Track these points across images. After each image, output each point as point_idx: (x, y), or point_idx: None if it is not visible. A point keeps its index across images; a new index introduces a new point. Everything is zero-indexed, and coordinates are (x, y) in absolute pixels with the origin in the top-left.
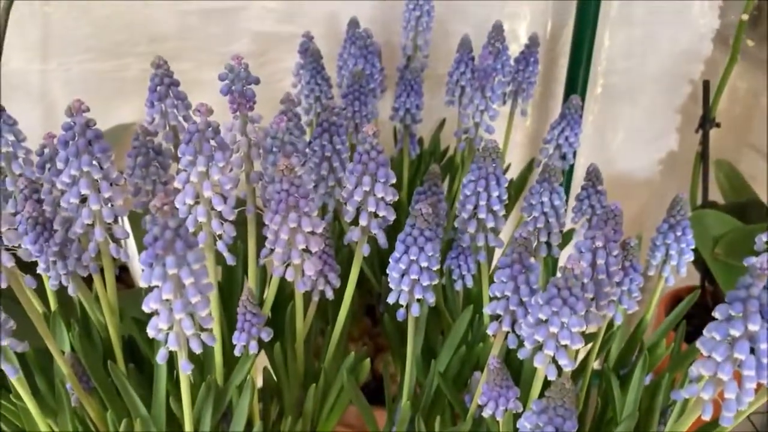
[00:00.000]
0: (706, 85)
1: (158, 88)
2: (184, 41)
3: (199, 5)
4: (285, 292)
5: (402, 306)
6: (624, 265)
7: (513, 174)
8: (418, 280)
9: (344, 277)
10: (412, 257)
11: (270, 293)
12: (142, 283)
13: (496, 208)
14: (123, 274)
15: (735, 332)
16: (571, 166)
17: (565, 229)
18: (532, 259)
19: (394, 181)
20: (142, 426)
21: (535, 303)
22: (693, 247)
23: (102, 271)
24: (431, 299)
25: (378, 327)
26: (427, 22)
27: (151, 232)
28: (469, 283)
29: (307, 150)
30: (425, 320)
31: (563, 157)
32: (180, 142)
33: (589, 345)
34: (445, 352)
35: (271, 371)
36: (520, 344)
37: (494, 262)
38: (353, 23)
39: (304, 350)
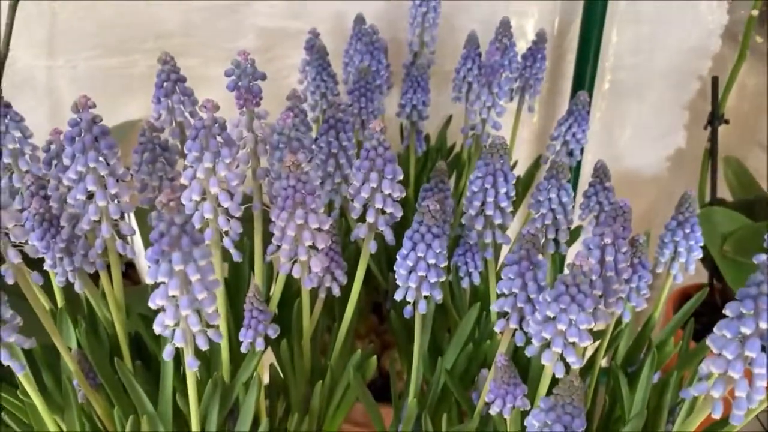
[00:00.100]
0: (714, 81)
1: (165, 84)
2: (191, 37)
3: (206, 2)
4: (292, 289)
5: (409, 303)
6: (632, 262)
7: (520, 171)
8: (426, 277)
9: (351, 274)
10: (420, 254)
11: (276, 290)
12: (148, 280)
13: (503, 204)
14: (130, 271)
15: (746, 330)
16: (579, 163)
17: (572, 226)
18: (540, 256)
19: (401, 177)
20: (148, 423)
21: (542, 300)
22: (701, 244)
23: (108, 267)
24: (438, 296)
25: (385, 324)
26: (434, 18)
27: (158, 228)
28: (476, 281)
29: (314, 147)
30: (432, 317)
31: (570, 154)
32: (186, 138)
33: (597, 342)
34: (452, 350)
35: (278, 368)
36: (528, 341)
37: (501, 259)
38: (359, 19)
39: (311, 347)
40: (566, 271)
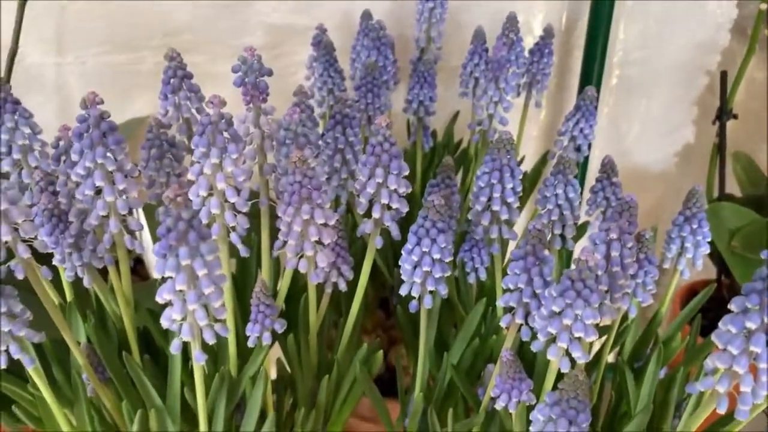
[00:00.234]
0: (723, 76)
1: (171, 80)
2: (198, 34)
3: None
4: (298, 284)
5: (414, 298)
6: (639, 258)
7: (527, 166)
8: (431, 272)
9: (357, 270)
10: (425, 249)
11: (283, 285)
12: (155, 275)
13: (510, 200)
14: (138, 267)
15: (751, 325)
16: (586, 159)
17: (579, 222)
18: (546, 251)
19: (407, 172)
20: (156, 416)
21: (548, 295)
22: (709, 239)
23: (117, 262)
24: (444, 291)
25: (391, 320)
26: (441, 13)
27: (165, 223)
28: (483, 276)
29: (320, 142)
30: (438, 312)
31: (578, 149)
32: (193, 134)
33: (604, 338)
34: (458, 345)
35: (285, 363)
36: (534, 336)
37: (508, 255)
38: (366, 15)
39: (318, 342)
40: (573, 266)
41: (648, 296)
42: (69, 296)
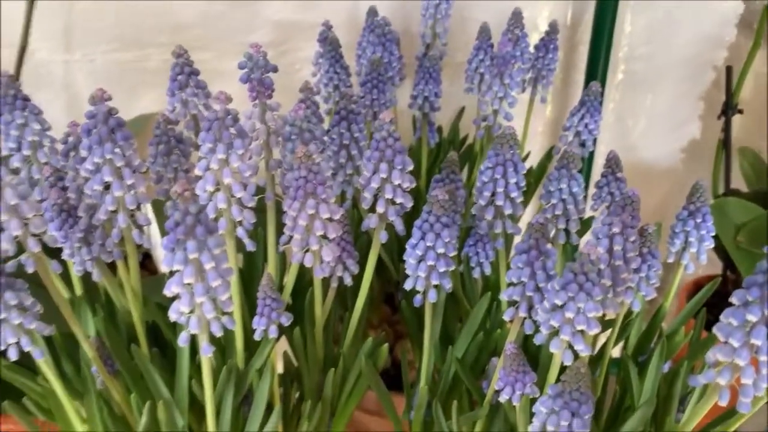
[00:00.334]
0: (728, 70)
1: (179, 77)
2: (205, 31)
3: None
4: (304, 279)
5: (419, 292)
6: (642, 252)
7: (533, 162)
8: (435, 266)
9: (363, 265)
10: (429, 243)
11: (289, 280)
12: (164, 268)
13: (513, 194)
14: (146, 261)
15: (752, 317)
16: (592, 154)
17: (584, 217)
18: (549, 245)
19: (411, 167)
20: (165, 408)
21: (551, 288)
22: (713, 234)
23: (126, 257)
24: (448, 285)
25: (397, 315)
26: (446, 9)
27: (173, 217)
28: (487, 271)
29: (326, 138)
30: (443, 307)
31: (583, 145)
32: (200, 130)
33: (608, 332)
34: (462, 339)
35: (291, 356)
36: (537, 330)
37: (512, 250)
38: (372, 12)
39: (324, 336)
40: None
41: (651, 290)
42: (78, 290)
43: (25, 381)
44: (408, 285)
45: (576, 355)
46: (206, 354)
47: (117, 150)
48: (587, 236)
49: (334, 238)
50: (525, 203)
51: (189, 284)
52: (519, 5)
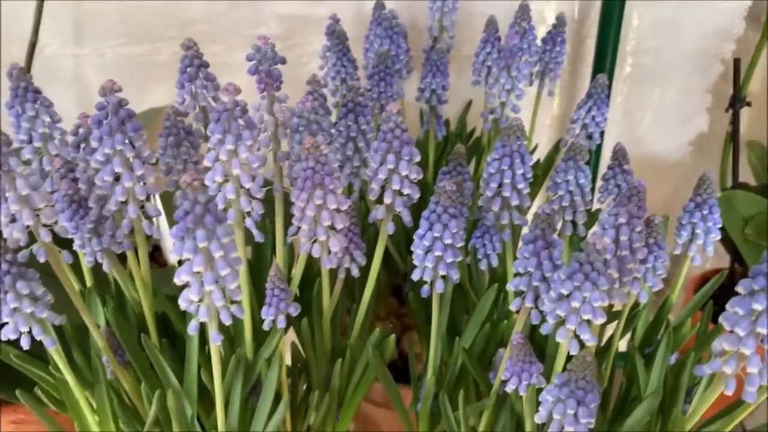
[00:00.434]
0: (736, 63)
1: (188, 69)
2: (214, 25)
3: None
4: (312, 270)
5: (426, 283)
6: (648, 242)
7: (540, 155)
8: (442, 257)
9: (370, 256)
10: (436, 234)
11: (297, 271)
12: (173, 257)
13: (520, 186)
14: (155, 254)
15: (758, 306)
16: (599, 147)
17: (592, 209)
18: (555, 235)
19: (418, 159)
20: (174, 398)
21: (557, 278)
22: (720, 226)
23: (135, 248)
24: (455, 276)
25: (404, 307)
26: (453, 2)
27: (182, 206)
28: (494, 262)
29: (333, 131)
30: (450, 298)
31: (590, 137)
32: (210, 122)
33: (615, 323)
34: (469, 330)
35: (299, 347)
36: (543, 320)
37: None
38: (379, 5)
39: (331, 328)
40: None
41: (658, 281)
42: (89, 281)
43: (36, 371)
44: (415, 275)
45: (582, 345)
46: (215, 342)
47: (127, 141)
48: (594, 228)
49: (342, 228)
50: (532, 196)
51: (198, 273)
52: None
